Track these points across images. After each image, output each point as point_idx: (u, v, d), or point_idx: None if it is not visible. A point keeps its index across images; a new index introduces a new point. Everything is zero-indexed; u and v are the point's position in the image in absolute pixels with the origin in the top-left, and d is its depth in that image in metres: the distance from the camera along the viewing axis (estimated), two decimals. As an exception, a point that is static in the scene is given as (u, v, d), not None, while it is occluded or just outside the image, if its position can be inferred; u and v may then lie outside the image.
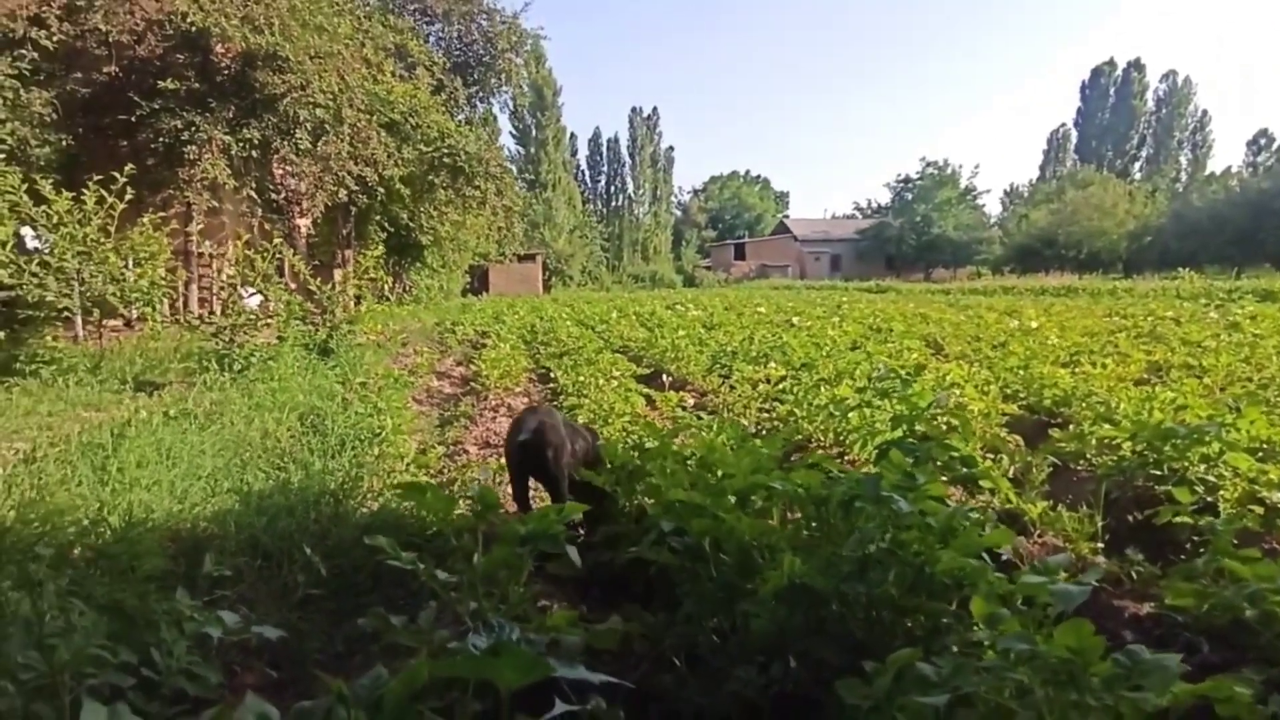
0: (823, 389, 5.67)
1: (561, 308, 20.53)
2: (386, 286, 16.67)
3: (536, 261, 41.86)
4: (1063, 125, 67.00)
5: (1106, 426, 4.14)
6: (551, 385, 8.26)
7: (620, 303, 22.55)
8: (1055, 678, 1.41)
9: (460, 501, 2.62)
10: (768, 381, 6.70)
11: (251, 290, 9.79)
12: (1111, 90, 62.90)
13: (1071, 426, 4.76)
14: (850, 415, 4.74)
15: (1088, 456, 4.45)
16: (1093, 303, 20.45)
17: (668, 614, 2.58)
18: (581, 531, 3.84)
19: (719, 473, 2.88)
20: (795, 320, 13.23)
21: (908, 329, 12.01)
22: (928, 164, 54.39)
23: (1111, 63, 62.93)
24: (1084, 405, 5.39)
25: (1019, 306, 17.47)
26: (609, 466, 3.81)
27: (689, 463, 3.26)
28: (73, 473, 4.32)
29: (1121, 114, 61.80)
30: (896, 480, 2.36)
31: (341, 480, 4.25)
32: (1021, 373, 6.73)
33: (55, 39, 11.15)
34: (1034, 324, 11.66)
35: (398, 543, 2.20)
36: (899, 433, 3.90)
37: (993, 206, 64.30)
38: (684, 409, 6.16)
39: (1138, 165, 61.48)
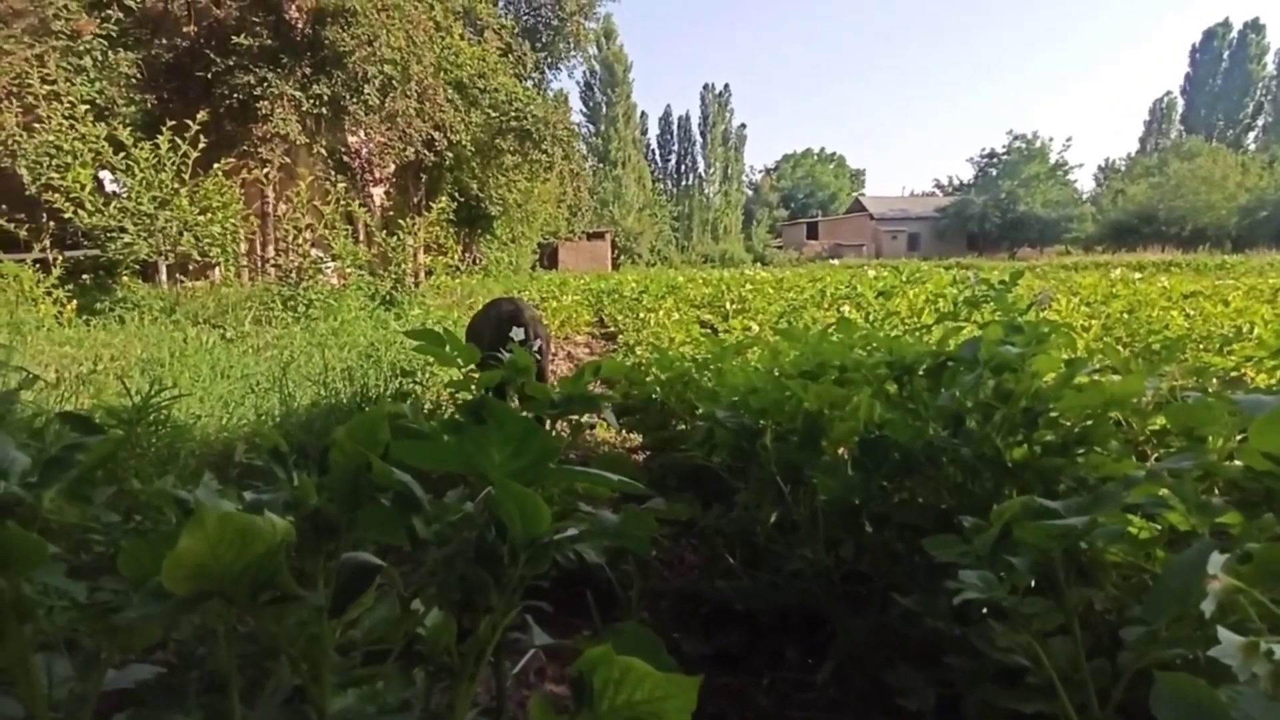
0: (902, 323, 5.23)
1: (627, 277, 20.47)
2: (456, 256, 16.75)
3: (605, 239, 41.78)
4: (1168, 94, 62.41)
5: (1237, 346, 3.57)
6: (610, 329, 8.03)
7: (689, 274, 22.32)
8: (1247, 497, 1.02)
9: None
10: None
11: (331, 264, 9.90)
12: (1225, 54, 57.93)
13: (1188, 353, 4.17)
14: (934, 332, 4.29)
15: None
16: (1198, 276, 18.83)
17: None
18: None
19: (786, 360, 2.53)
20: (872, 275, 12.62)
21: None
22: (1015, 137, 51.69)
23: (1226, 24, 57.88)
24: (1202, 346, 4.75)
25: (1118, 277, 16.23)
26: (657, 377, 3.51)
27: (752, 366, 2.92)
28: (128, 384, 4.32)
29: (1235, 79, 56.90)
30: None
31: (390, 392, 4.11)
32: (1126, 316, 6.07)
33: (140, 1, 11.50)
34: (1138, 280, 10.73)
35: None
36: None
37: (1086, 183, 60.58)
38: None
39: (1252, 135, 56.56)
